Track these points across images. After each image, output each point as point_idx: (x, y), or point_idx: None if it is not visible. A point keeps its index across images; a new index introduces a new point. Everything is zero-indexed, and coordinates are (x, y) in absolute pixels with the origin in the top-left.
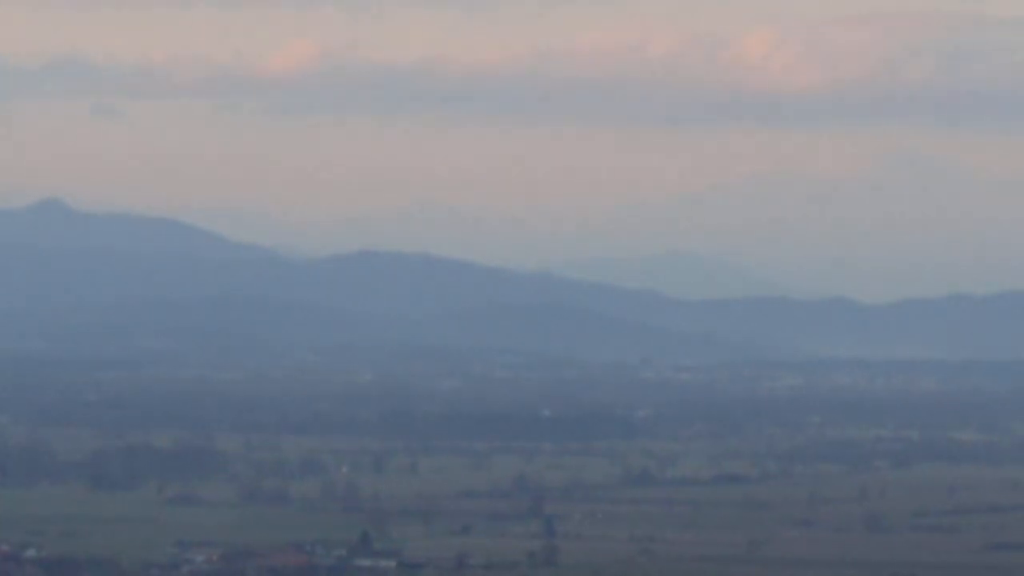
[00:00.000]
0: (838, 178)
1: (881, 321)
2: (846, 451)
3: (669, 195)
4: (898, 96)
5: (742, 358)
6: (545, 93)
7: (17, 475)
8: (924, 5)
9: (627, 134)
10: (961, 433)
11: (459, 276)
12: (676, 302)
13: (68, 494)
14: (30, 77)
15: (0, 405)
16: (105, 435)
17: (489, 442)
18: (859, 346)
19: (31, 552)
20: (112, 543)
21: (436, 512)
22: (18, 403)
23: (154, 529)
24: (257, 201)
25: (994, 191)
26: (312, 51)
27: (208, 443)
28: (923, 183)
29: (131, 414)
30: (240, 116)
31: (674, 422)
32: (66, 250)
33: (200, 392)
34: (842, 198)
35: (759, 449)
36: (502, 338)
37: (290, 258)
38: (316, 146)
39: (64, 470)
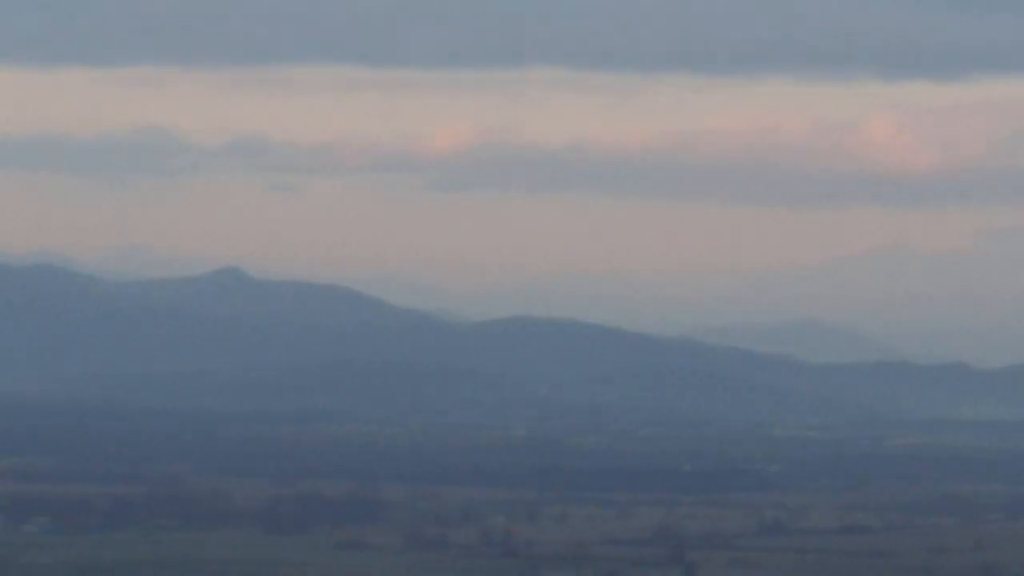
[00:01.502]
0: (954, 251)
1: (995, 384)
2: (963, 505)
3: (800, 267)
4: (1011, 176)
5: (866, 418)
6: (687, 172)
7: (199, 520)
8: None
9: (762, 211)
10: None
11: (606, 341)
12: (805, 366)
13: (245, 538)
14: (213, 155)
15: (184, 455)
16: (280, 484)
17: (633, 494)
18: (974, 407)
19: None
20: None
21: (584, 558)
22: (200, 454)
23: (324, 572)
24: (419, 270)
25: None
26: (472, 132)
27: (375, 493)
28: None
29: (304, 465)
30: (404, 191)
31: (803, 477)
32: (244, 315)
33: (367, 445)
34: (958, 270)
35: (882, 502)
36: (646, 398)
37: (450, 323)
38: (475, 220)
39: (242, 516)
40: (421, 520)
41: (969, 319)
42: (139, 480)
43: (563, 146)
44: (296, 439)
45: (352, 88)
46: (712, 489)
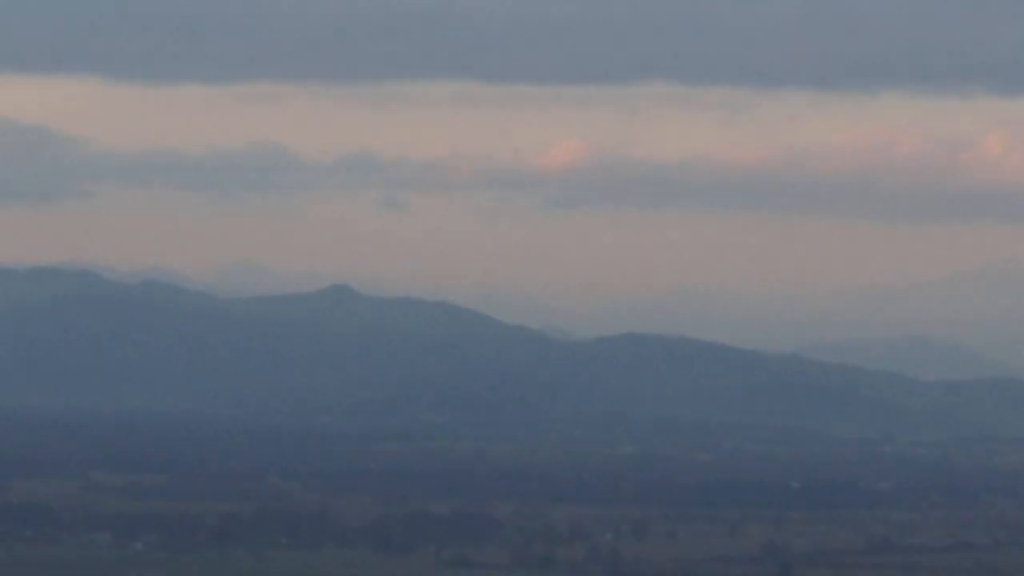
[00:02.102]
0: None
1: None
2: None
3: (911, 283)
4: None
5: (975, 435)
6: (799, 188)
7: (308, 538)
8: None
9: (874, 227)
10: None
11: (716, 357)
12: (914, 383)
13: (353, 556)
14: (325, 172)
15: (293, 473)
16: (387, 502)
17: (741, 511)
18: None
19: None
20: None
21: None
22: (309, 472)
23: None
24: (529, 287)
25: None
26: (583, 149)
27: (482, 510)
28: None
29: (411, 483)
30: (515, 208)
31: (913, 494)
32: (354, 331)
33: (475, 463)
34: None
35: (991, 519)
36: (754, 415)
37: (559, 340)
38: (585, 237)
39: (349, 534)
40: (528, 538)
41: None
42: (248, 497)
43: (676, 162)
44: (404, 456)
45: (465, 104)
46: (821, 506)
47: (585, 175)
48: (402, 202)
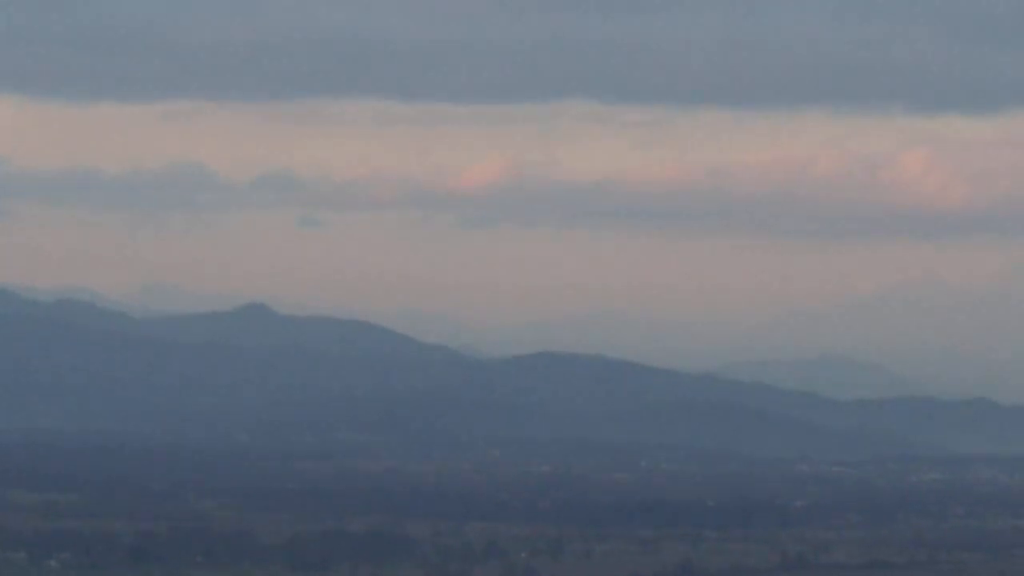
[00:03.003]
0: (980, 286)
1: (1019, 420)
2: (987, 540)
3: (826, 302)
4: None
5: (890, 454)
6: (716, 207)
7: (224, 556)
8: None
9: (789, 245)
10: None
11: (631, 377)
12: (829, 402)
13: (270, 574)
14: (241, 192)
15: (208, 492)
16: (303, 520)
17: (657, 529)
18: (999, 443)
19: None
20: None
21: None
22: (224, 490)
23: None
24: (446, 306)
25: None
26: (501, 168)
27: (398, 528)
28: None
29: (327, 501)
30: (432, 228)
31: (828, 512)
32: (268, 350)
33: (391, 481)
34: (984, 305)
35: (907, 537)
36: (670, 434)
37: (474, 358)
38: (503, 256)
39: (266, 552)
40: (444, 556)
41: (996, 353)
42: (164, 516)
43: (594, 181)
44: (320, 475)
45: (383, 123)
46: (736, 524)
47: (503, 194)
48: (320, 221)
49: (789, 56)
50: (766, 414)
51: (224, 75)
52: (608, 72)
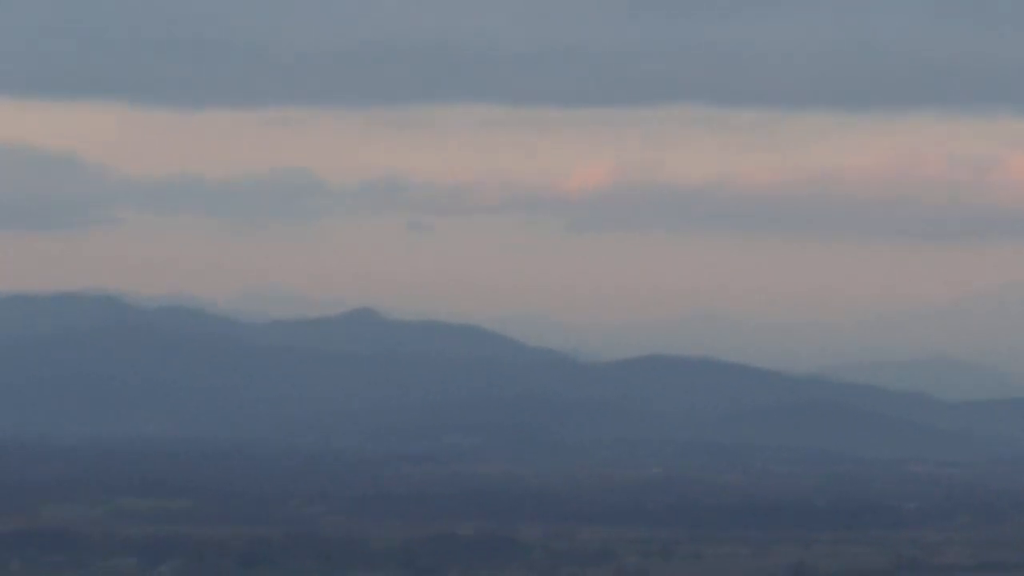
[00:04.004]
0: None
1: None
2: None
3: (935, 303)
4: None
5: (1001, 455)
6: (822, 210)
7: (334, 562)
8: None
9: (898, 247)
10: None
11: (739, 379)
12: (940, 403)
13: None
14: (350, 197)
15: (318, 498)
16: (413, 525)
17: (768, 532)
18: None
19: None
20: None
21: None
22: (334, 496)
23: None
24: (554, 309)
25: None
26: (611, 171)
27: (508, 532)
28: None
29: (437, 505)
30: (540, 231)
31: (941, 513)
32: (376, 355)
33: (501, 485)
34: None
35: (1020, 538)
36: (779, 436)
37: (583, 362)
38: (610, 259)
39: (376, 557)
40: (555, 559)
41: None
42: (274, 521)
43: (701, 184)
44: (430, 479)
45: (491, 127)
46: (848, 526)
47: (610, 197)
48: (427, 225)
49: (897, 58)
50: (876, 415)
51: (330, 81)
52: (715, 75)
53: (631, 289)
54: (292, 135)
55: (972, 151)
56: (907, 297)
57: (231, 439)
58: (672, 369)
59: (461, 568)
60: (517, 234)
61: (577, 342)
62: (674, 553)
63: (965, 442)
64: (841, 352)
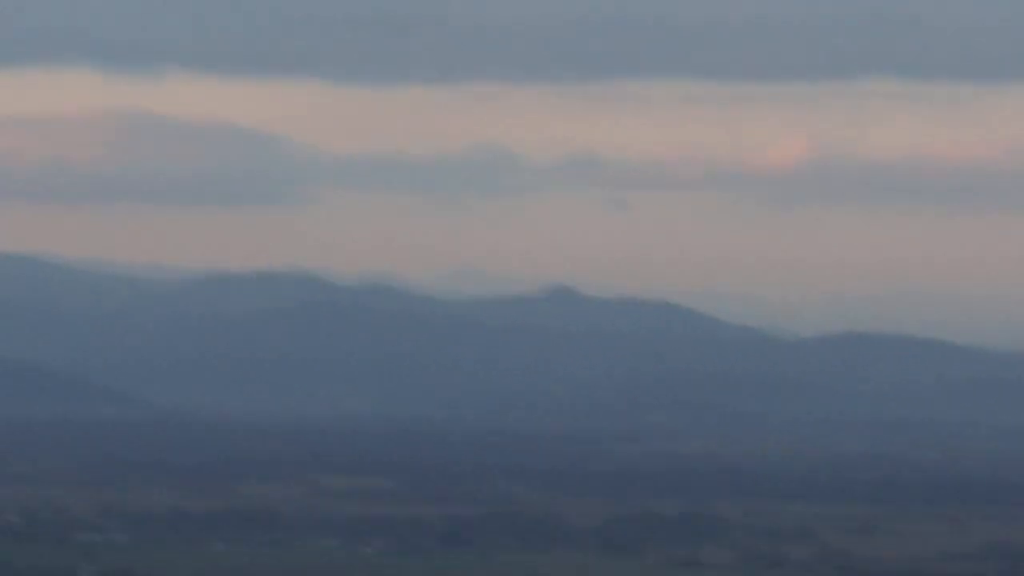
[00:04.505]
0: None
1: None
2: None
3: None
4: None
5: None
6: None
7: (535, 540)
8: None
9: None
10: None
11: (939, 355)
12: None
13: (581, 558)
14: (545, 174)
15: (518, 476)
16: (614, 503)
17: (969, 508)
18: None
19: None
20: None
21: (920, 574)
22: (534, 474)
23: None
24: (750, 286)
25: None
26: (806, 146)
27: (709, 510)
28: None
29: (638, 484)
30: (738, 207)
31: None
32: (574, 332)
33: (701, 463)
34: None
35: None
36: (980, 413)
37: (781, 339)
38: (808, 235)
39: (577, 536)
40: (756, 537)
41: None
42: (475, 500)
43: (900, 159)
44: (630, 457)
45: (690, 102)
46: None
47: (809, 172)
48: (625, 202)
49: None
50: None
51: (529, 57)
52: (914, 49)
53: (829, 265)
54: (490, 111)
55: None
56: None
57: (431, 417)
58: (871, 346)
59: (660, 547)
60: (715, 210)
61: (775, 319)
62: (875, 530)
63: None
64: None
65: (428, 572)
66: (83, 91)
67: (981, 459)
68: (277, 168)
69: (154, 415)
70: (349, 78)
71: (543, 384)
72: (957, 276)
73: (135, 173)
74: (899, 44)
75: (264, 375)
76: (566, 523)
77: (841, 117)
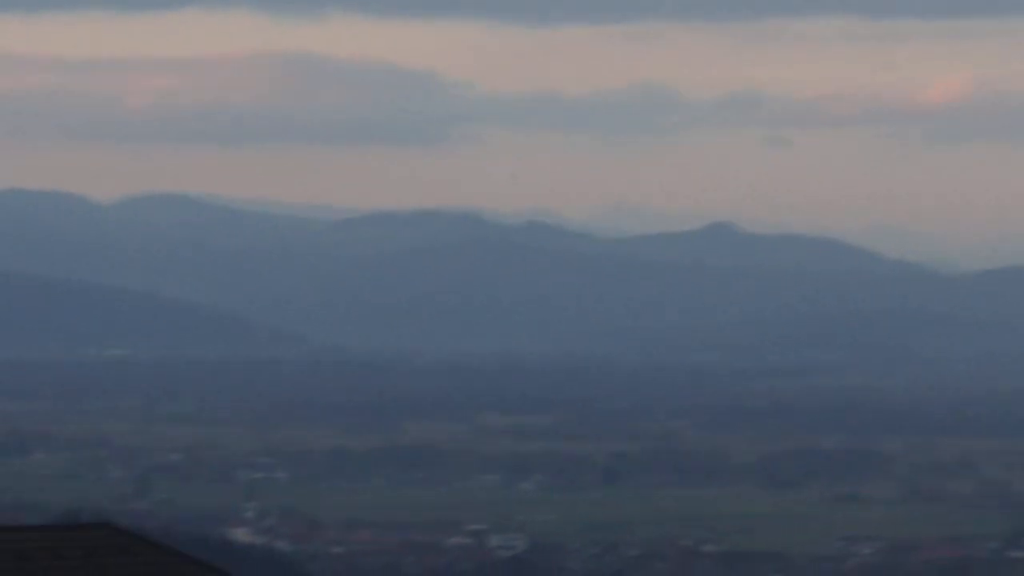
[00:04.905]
0: None
1: None
2: None
3: None
4: None
5: None
6: None
7: (695, 476)
8: None
9: None
10: None
11: None
12: None
13: (741, 494)
14: (708, 111)
15: (677, 412)
16: (773, 439)
17: None
18: None
19: (710, 547)
20: (782, 538)
21: None
22: (693, 410)
23: (821, 525)
24: (911, 221)
25: None
26: (967, 82)
27: (870, 445)
28: None
29: (797, 419)
30: (898, 143)
31: None
32: (733, 268)
33: (861, 398)
34: None
35: None
36: None
37: (943, 274)
38: (970, 171)
39: (736, 472)
40: (917, 472)
41: None
42: (635, 436)
43: None
44: (789, 393)
45: (850, 39)
46: None
47: (970, 108)
48: (785, 139)
49: None
50: None
51: None
52: None
53: (990, 200)
54: (650, 50)
55: None
56: None
57: (591, 354)
58: None
59: (822, 481)
60: (876, 146)
61: (936, 254)
62: None
63: None
64: None
65: (588, 508)
66: (245, 33)
67: None
68: (436, 108)
69: (314, 354)
70: (509, 18)
71: (701, 319)
72: None
73: (296, 114)
74: None
75: (425, 313)
76: (726, 459)
77: (1004, 52)
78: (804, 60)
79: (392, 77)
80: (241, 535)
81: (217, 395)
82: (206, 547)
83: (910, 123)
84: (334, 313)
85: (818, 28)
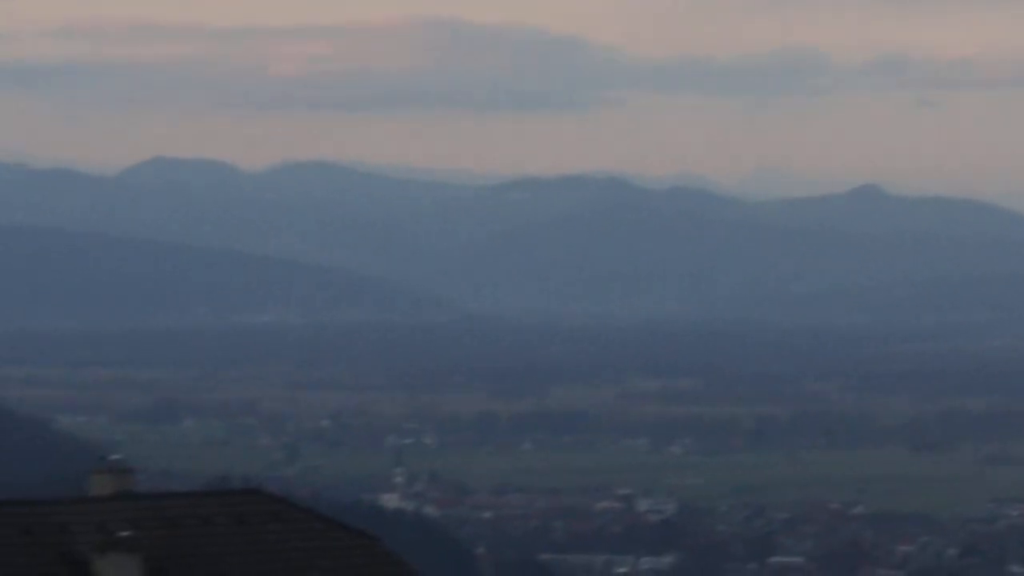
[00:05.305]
0: None
1: None
2: None
3: None
4: None
5: None
6: None
7: (844, 438)
8: None
9: None
10: None
11: None
12: None
13: (889, 456)
14: (856, 74)
15: (827, 375)
16: (921, 401)
17: None
18: None
19: (859, 508)
20: (931, 499)
21: None
22: (843, 373)
23: (970, 487)
24: None
25: None
26: None
27: (1018, 407)
28: None
29: (946, 381)
30: None
31: None
32: (881, 231)
33: (1009, 361)
34: None
35: None
36: None
37: None
38: None
39: (885, 434)
40: None
41: None
42: (784, 399)
43: None
44: (937, 355)
45: (995, 1)
46: None
47: None
48: (933, 101)
49: None
50: None
51: None
52: None
53: None
54: (799, 13)
55: None
56: None
57: (738, 318)
58: None
59: (970, 443)
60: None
61: None
62: None
63: None
64: None
65: (736, 472)
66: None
67: None
68: (583, 72)
69: (462, 320)
70: None
71: (849, 283)
72: None
73: (442, 80)
74: None
75: (571, 278)
76: (874, 421)
77: None
78: (952, 22)
79: (538, 42)
80: (390, 501)
81: (365, 361)
82: (355, 513)
83: None
84: (482, 279)
85: None
